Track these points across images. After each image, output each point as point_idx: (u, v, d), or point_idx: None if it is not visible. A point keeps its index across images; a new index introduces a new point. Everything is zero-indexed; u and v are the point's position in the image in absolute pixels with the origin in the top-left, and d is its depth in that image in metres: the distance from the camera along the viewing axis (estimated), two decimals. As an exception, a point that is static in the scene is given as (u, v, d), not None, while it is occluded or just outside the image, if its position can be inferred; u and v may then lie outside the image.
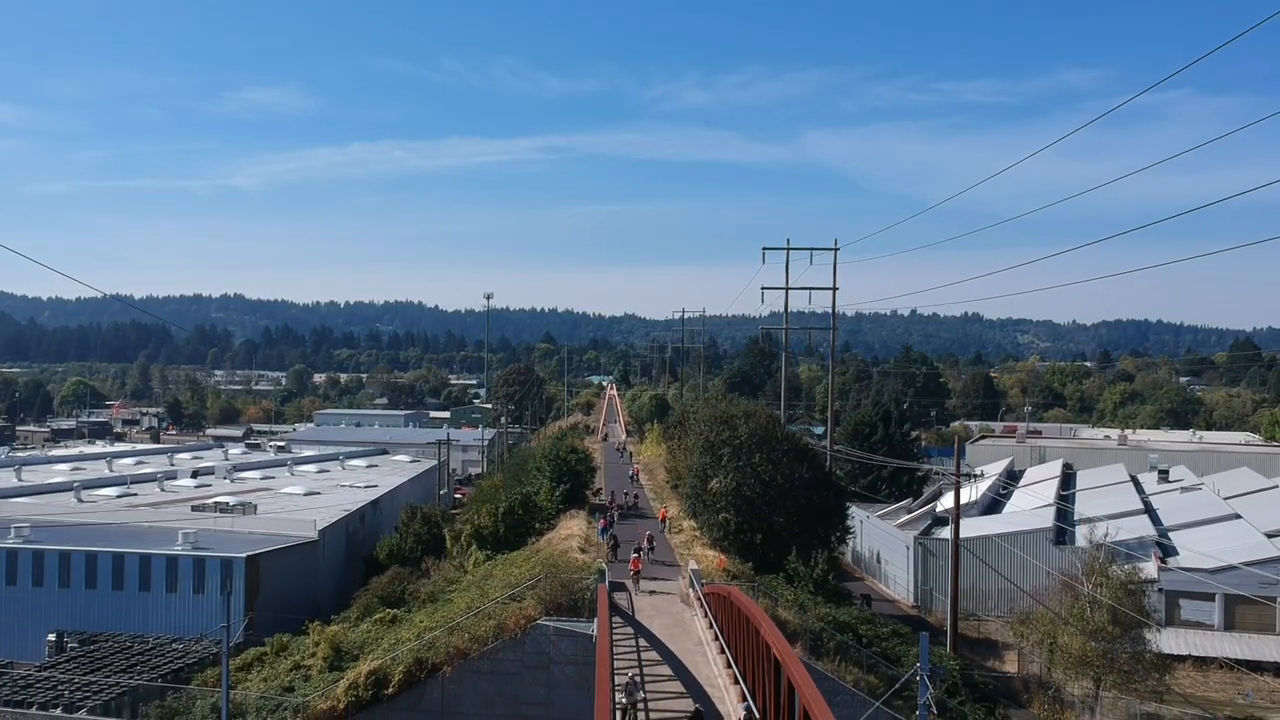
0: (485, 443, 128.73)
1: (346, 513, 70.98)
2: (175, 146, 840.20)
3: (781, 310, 66.15)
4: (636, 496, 70.66)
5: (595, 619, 35.67)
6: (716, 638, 33.10)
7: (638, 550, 46.68)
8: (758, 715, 25.12)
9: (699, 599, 38.47)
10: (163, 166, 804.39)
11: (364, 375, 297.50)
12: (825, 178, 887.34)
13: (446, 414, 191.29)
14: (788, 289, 64.15)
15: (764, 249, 64.66)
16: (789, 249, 64.46)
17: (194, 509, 69.17)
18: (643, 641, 34.50)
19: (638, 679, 26.59)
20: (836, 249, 63.53)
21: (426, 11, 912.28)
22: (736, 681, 28.47)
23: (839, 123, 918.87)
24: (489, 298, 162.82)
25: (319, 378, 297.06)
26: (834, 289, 63.39)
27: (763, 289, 64.38)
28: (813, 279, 64.75)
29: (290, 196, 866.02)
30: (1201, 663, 53.10)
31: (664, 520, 58.66)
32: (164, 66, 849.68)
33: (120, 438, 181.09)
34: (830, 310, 63.83)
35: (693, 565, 42.68)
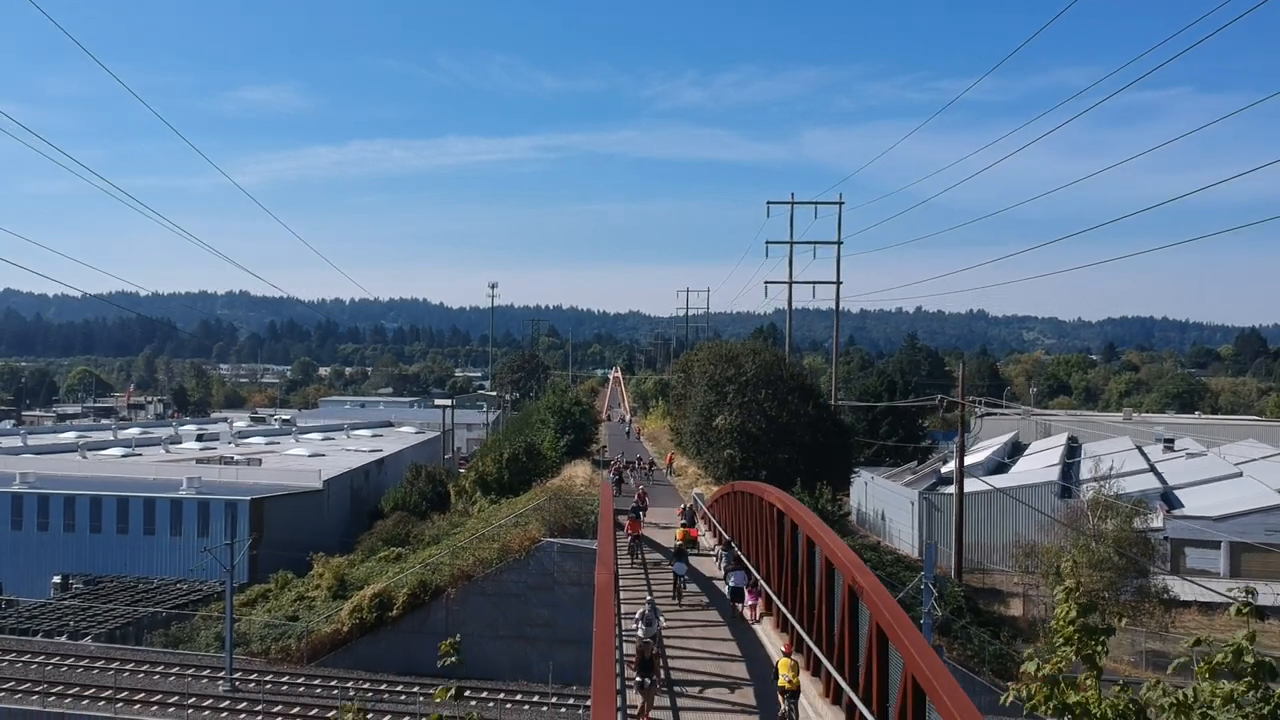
0: (489, 423, 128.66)
1: (351, 468, 71.02)
2: (174, 145, 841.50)
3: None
4: (649, 463, 67.33)
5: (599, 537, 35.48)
6: (719, 540, 33.05)
7: (635, 512, 38.76)
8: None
9: (703, 516, 38.46)
10: (162, 165, 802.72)
11: (369, 368, 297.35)
12: (823, 176, 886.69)
13: (451, 402, 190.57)
14: (792, 243, 64.15)
15: (769, 203, 64.83)
16: (793, 203, 64.55)
17: (198, 463, 69.25)
18: (646, 547, 34.46)
19: (655, 605, 23.18)
20: (841, 203, 63.58)
21: (423, 11, 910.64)
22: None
23: (836, 121, 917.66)
24: (493, 287, 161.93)
25: (324, 371, 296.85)
26: (838, 243, 63.45)
27: (767, 243, 64.38)
28: (818, 252, 64.78)
29: (289, 195, 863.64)
30: (1207, 609, 52.93)
31: (670, 464, 58.63)
32: (162, 66, 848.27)
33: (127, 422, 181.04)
34: (835, 262, 63.80)
35: (696, 490, 42.69)
